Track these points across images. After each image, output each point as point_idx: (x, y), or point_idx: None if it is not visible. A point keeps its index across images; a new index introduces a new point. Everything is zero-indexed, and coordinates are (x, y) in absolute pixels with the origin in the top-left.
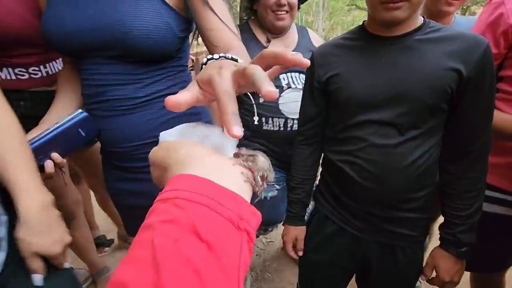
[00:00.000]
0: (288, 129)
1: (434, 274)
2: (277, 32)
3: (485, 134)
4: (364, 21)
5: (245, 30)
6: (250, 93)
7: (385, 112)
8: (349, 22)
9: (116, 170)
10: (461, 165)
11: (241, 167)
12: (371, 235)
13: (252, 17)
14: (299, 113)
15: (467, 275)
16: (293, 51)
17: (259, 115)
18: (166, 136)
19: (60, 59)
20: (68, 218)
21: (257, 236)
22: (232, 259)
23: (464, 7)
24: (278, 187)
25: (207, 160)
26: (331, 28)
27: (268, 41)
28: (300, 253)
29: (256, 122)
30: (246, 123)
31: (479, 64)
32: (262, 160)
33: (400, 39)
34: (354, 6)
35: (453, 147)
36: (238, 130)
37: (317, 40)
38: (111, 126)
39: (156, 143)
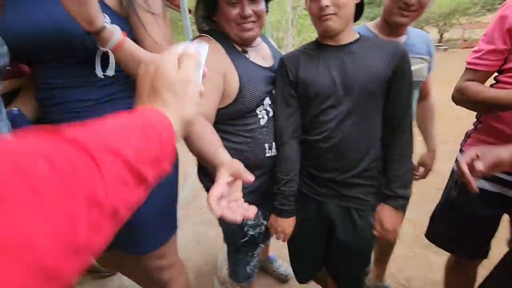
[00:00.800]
0: None
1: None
2: (245, 45)
3: (408, 114)
4: (317, 37)
5: (220, 39)
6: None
7: (339, 99)
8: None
9: None
10: (394, 137)
11: None
12: (333, 199)
13: (214, 28)
14: (278, 111)
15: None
16: (272, 65)
17: (263, 142)
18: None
19: None
20: None
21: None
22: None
23: (419, 27)
24: (265, 223)
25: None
26: (300, 44)
27: (245, 51)
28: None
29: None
30: (240, 155)
31: (400, 63)
32: None
33: (345, 47)
34: None
35: (388, 124)
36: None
37: (276, 47)
38: None
39: None
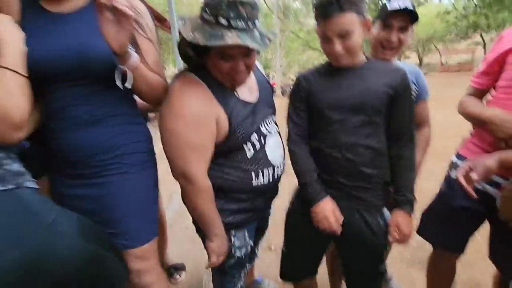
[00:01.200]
0: (275, 178)
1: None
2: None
3: (411, 128)
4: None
5: (206, 78)
6: None
7: (347, 114)
8: (304, 60)
9: (66, 177)
10: (398, 146)
11: None
12: (342, 201)
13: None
14: (289, 120)
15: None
16: (258, 97)
17: (250, 171)
18: None
19: None
20: None
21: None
22: None
23: (401, 51)
24: (251, 243)
25: None
26: (288, 65)
27: (234, 89)
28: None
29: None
30: (226, 183)
31: (400, 83)
32: None
33: (354, 69)
34: (308, 47)
35: (392, 136)
36: None
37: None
38: (68, 141)
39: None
